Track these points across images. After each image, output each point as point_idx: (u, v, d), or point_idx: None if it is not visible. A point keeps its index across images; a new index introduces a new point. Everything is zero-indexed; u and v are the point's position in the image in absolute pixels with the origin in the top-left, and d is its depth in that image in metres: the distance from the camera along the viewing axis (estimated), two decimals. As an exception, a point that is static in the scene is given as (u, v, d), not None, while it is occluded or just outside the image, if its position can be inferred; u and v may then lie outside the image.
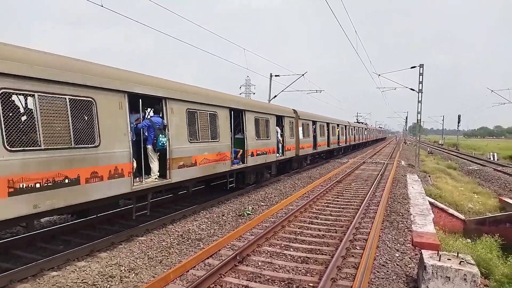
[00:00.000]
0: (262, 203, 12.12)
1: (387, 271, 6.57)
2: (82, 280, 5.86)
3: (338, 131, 30.75)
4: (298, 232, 8.77)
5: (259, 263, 6.70)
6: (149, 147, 8.57)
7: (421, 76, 25.57)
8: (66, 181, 6.09)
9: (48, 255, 6.70)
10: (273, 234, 8.43)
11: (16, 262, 6.53)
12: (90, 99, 6.62)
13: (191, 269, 6.36)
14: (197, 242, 7.97)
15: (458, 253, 6.14)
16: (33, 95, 5.68)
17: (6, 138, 5.25)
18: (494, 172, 29.11)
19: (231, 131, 12.00)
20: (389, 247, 7.86)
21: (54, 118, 5.98)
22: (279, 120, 16.70)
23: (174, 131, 8.98)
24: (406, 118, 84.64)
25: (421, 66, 25.53)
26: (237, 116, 12.87)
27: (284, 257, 7.08)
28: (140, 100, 8.34)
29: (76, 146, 6.29)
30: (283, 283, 5.93)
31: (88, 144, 6.54)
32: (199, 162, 9.91)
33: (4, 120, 5.27)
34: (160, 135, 8.44)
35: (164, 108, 8.78)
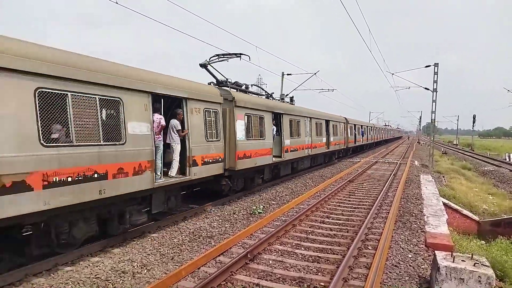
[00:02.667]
0: (273, 202, 12.11)
1: (400, 272, 6.50)
2: (95, 275, 5.94)
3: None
4: (309, 231, 8.74)
5: (270, 262, 6.70)
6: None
7: (436, 75, 25.19)
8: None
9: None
10: (284, 232, 8.42)
11: (31, 257, 6.65)
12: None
13: (202, 266, 6.39)
14: (208, 240, 8.01)
15: (472, 254, 6.03)
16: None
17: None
18: (510, 173, 28.51)
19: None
20: (402, 248, 7.77)
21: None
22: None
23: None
24: (420, 118, 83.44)
25: (436, 65, 25.16)
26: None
27: (295, 256, 7.06)
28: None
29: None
30: (294, 282, 5.92)
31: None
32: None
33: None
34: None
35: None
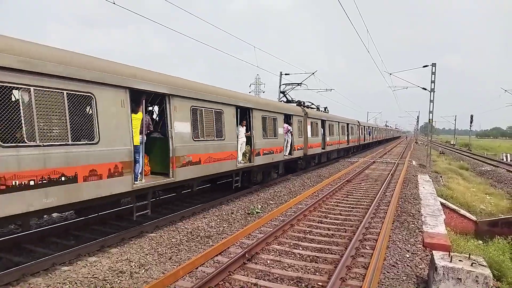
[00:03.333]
0: (271, 202, 12.11)
1: (397, 272, 6.51)
2: (93, 275, 5.93)
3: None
4: (307, 231, 8.74)
5: (268, 261, 6.70)
6: None
7: (433, 75, 25.25)
8: None
9: (60, 250, 6.80)
10: (282, 232, 8.42)
11: (28, 256, 6.64)
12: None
13: (200, 266, 6.39)
14: (206, 240, 8.00)
15: (470, 254, 6.05)
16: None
17: None
18: (507, 173, 28.60)
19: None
20: (400, 248, 7.79)
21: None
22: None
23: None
24: (418, 118, 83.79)
25: (434, 65, 25.20)
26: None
27: (293, 255, 7.07)
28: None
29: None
30: (292, 282, 5.92)
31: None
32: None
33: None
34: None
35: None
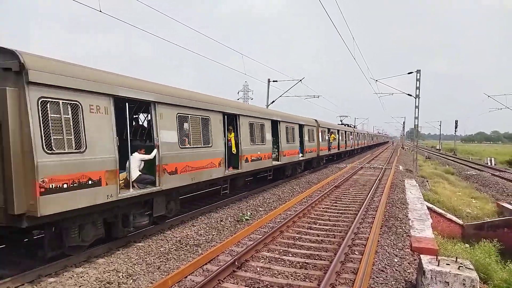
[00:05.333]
0: (260, 209, 12.10)
1: (386, 276, 6.55)
2: (79, 286, 5.83)
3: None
4: (297, 237, 8.75)
5: (258, 269, 6.68)
6: None
7: (418, 82, 25.70)
8: None
9: (46, 261, 6.65)
10: (271, 239, 8.41)
11: (13, 268, 6.48)
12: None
13: (189, 275, 6.33)
14: (195, 248, 7.94)
15: (457, 258, 6.14)
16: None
17: None
18: (491, 177, 29.15)
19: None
20: (388, 252, 7.84)
21: None
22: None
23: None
24: (404, 123, 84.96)
25: (418, 71, 25.68)
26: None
27: (282, 262, 7.06)
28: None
29: None
30: (282, 289, 5.91)
31: None
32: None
33: None
34: None
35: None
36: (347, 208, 12.07)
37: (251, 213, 11.22)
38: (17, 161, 5.51)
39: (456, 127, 61.66)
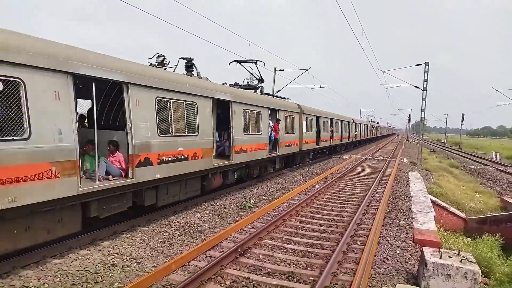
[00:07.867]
0: (263, 197, 12.14)
1: (388, 267, 6.58)
2: (84, 268, 5.90)
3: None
4: (300, 226, 8.79)
5: (260, 256, 6.73)
6: None
7: (426, 74, 25.43)
8: None
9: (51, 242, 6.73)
10: (274, 227, 8.45)
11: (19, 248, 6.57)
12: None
13: (192, 260, 6.39)
14: (199, 234, 8.00)
15: (459, 251, 6.14)
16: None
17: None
18: (496, 171, 29.00)
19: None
20: (390, 244, 7.86)
21: None
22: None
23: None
24: (410, 116, 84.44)
25: (427, 63, 25.39)
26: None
27: (285, 250, 7.10)
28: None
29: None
30: (283, 276, 5.96)
31: None
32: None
33: None
34: None
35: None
36: (350, 199, 12.08)
37: (254, 201, 11.27)
38: None
39: (462, 121, 61.25)
